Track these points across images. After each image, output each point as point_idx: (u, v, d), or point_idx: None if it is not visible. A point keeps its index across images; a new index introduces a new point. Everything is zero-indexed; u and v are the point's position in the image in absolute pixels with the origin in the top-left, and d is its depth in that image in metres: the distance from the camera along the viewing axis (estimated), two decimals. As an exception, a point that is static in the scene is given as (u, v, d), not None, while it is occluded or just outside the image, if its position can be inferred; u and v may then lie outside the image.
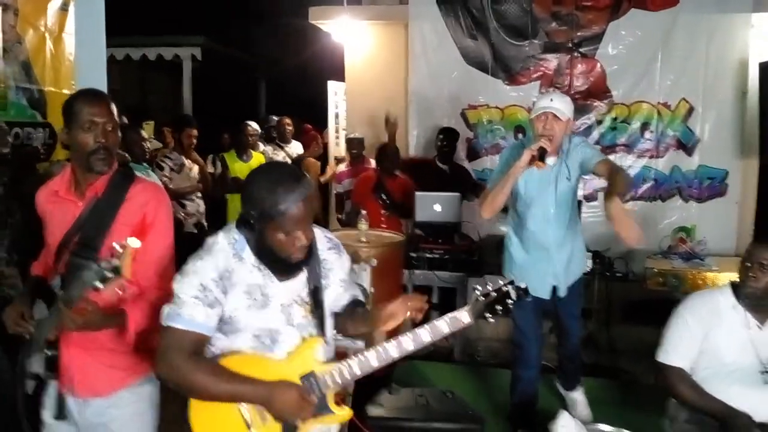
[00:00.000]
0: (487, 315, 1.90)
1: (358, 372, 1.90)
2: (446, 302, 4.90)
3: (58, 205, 2.16)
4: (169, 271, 2.19)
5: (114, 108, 2.15)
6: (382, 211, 5.31)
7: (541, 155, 3.17)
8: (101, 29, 3.99)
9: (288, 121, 7.05)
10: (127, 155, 4.28)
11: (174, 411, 2.45)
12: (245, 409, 1.87)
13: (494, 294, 1.89)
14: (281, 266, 1.89)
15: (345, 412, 1.97)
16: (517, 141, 3.56)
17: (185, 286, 1.83)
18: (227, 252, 1.87)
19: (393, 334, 1.95)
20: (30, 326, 2.09)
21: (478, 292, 1.91)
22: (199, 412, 1.90)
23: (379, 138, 5.89)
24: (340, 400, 1.97)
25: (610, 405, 4.06)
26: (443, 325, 1.89)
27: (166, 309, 1.84)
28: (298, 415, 1.85)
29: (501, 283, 1.90)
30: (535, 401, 3.67)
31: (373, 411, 2.79)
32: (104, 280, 1.81)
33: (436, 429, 2.74)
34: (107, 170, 2.13)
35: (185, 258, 1.94)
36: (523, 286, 1.93)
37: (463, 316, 1.89)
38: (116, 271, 1.80)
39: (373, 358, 1.90)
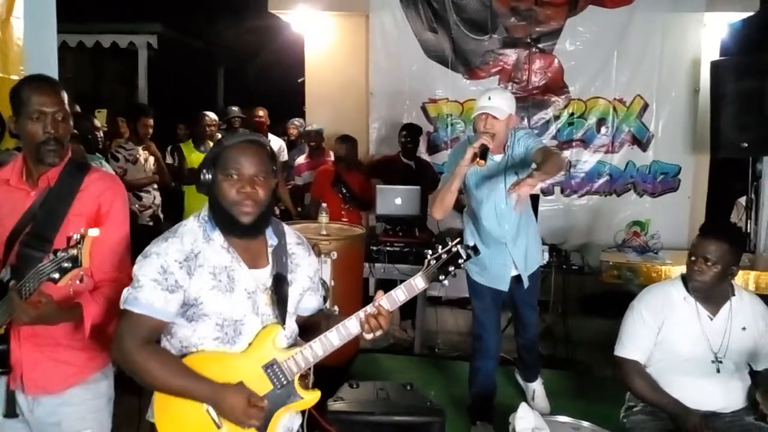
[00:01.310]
0: (441, 277, 1.91)
1: (320, 353, 1.88)
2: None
3: (9, 195, 2.07)
4: (125, 263, 2.13)
5: (65, 96, 2.07)
6: (343, 205, 5.29)
7: (483, 153, 3.17)
8: (52, 13, 3.83)
9: (261, 113, 6.90)
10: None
11: (132, 403, 2.40)
12: (212, 408, 1.83)
13: (445, 255, 1.90)
14: (235, 230, 1.86)
15: (314, 395, 1.95)
16: (464, 138, 3.60)
17: (145, 268, 1.81)
18: (195, 233, 1.87)
19: (350, 310, 1.94)
20: None
21: (429, 256, 1.91)
22: (164, 413, 1.86)
23: (339, 130, 5.85)
24: (306, 383, 1.95)
25: (568, 396, 4.13)
26: (399, 293, 1.90)
27: (125, 292, 1.82)
28: (244, 422, 1.81)
29: (450, 244, 1.91)
30: (493, 393, 3.71)
31: (334, 405, 2.77)
32: (62, 270, 1.74)
33: (397, 422, 2.73)
34: (58, 161, 2.06)
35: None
36: (471, 244, 1.95)
37: (417, 282, 1.90)
38: (74, 261, 1.73)
39: (334, 337, 1.88)
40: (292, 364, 1.88)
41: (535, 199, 4.56)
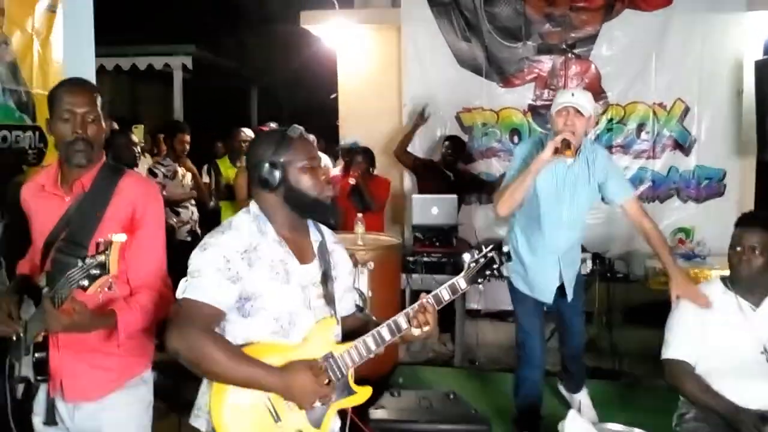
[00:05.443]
0: (479, 280, 2.01)
1: (373, 347, 1.91)
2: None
3: (45, 201, 2.07)
4: (161, 269, 2.12)
5: (98, 98, 2.06)
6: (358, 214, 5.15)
7: (566, 146, 3.03)
8: (90, 33, 3.90)
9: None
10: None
11: (171, 420, 2.36)
12: (270, 401, 1.80)
13: (482, 260, 2.01)
14: (325, 214, 1.94)
15: (366, 390, 1.97)
16: (535, 137, 3.48)
17: (206, 258, 1.79)
18: (251, 226, 1.87)
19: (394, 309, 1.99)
20: (18, 327, 1.99)
21: (468, 260, 2.00)
22: (222, 403, 1.80)
23: (373, 143, 5.81)
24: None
25: (615, 407, 3.99)
26: (444, 293, 1.98)
27: (183, 283, 1.80)
28: (317, 397, 1.79)
29: (485, 249, 2.02)
30: (539, 403, 3.58)
31: (376, 413, 2.71)
32: (90, 278, 1.69)
33: (442, 431, 2.67)
34: (85, 163, 2.03)
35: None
36: (505, 250, 2.02)
37: (459, 283, 1.99)
38: (102, 267, 1.68)
39: (385, 332, 1.92)
40: (347, 357, 1.89)
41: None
